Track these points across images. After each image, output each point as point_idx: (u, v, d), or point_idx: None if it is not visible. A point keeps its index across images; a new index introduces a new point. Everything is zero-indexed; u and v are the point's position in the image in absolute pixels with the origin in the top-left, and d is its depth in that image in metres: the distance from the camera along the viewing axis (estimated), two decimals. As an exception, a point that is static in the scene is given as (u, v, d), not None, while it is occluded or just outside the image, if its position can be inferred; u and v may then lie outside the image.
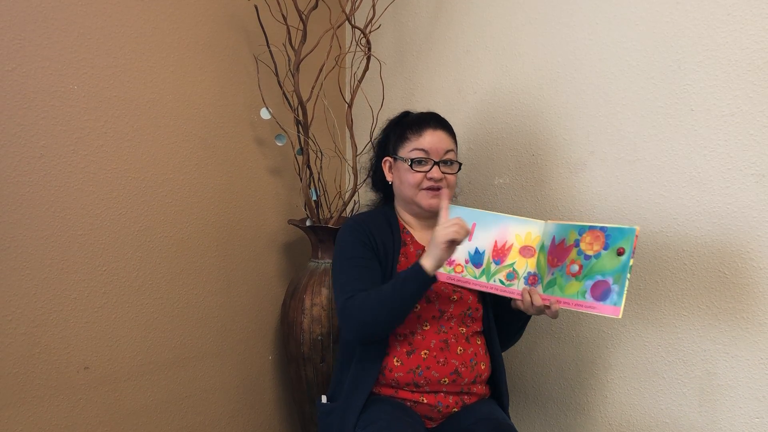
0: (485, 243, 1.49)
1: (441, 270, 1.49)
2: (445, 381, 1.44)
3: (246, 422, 2.05)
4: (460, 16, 1.93)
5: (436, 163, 1.51)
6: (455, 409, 1.46)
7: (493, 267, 1.47)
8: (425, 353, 1.44)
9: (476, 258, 1.49)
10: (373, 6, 1.92)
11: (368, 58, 1.93)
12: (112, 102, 1.65)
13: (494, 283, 1.46)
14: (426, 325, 1.46)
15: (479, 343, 1.52)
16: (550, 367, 1.83)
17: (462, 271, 1.49)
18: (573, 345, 1.77)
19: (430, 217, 1.54)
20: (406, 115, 1.63)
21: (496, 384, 1.56)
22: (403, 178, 1.53)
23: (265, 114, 1.91)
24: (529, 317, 1.53)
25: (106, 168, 1.65)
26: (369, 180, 1.71)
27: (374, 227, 1.53)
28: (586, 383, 1.75)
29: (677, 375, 1.57)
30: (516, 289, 1.44)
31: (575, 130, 1.70)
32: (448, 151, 1.52)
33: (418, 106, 2.06)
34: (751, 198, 1.42)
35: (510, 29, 1.81)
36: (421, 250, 1.54)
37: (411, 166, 1.50)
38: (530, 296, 1.40)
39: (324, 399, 1.56)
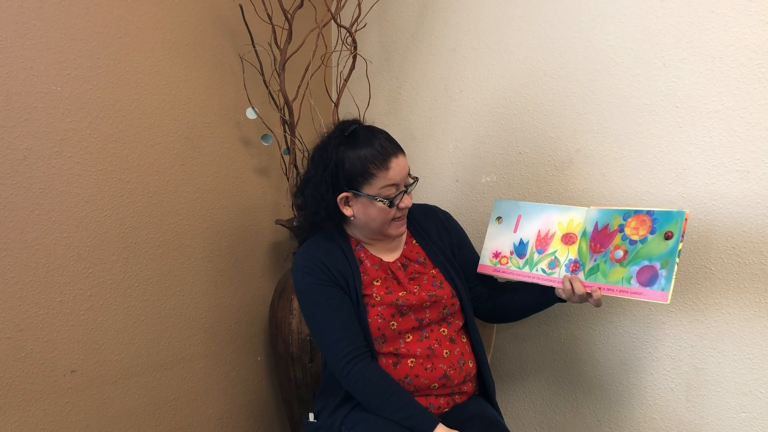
0: (529, 233, 1.50)
1: (487, 263, 1.54)
2: (435, 386, 1.43)
3: (235, 424, 2.04)
4: (446, 14, 1.93)
5: (405, 190, 1.43)
6: (446, 409, 1.46)
7: (536, 257, 1.47)
8: (411, 362, 1.42)
9: (520, 249, 1.51)
10: (359, 5, 1.91)
11: (354, 57, 1.93)
12: (97, 103, 1.63)
13: (536, 273, 1.46)
14: (408, 337, 1.44)
15: (464, 341, 1.50)
16: (539, 364, 1.83)
17: (507, 263, 1.51)
18: (561, 342, 1.78)
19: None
20: (343, 137, 1.42)
21: (481, 376, 1.54)
22: (372, 214, 1.42)
23: (251, 114, 1.90)
24: (552, 302, 1.47)
25: (91, 169, 1.63)
26: (312, 219, 1.48)
27: (326, 258, 1.44)
28: (575, 380, 1.76)
29: (665, 371, 1.58)
30: (557, 278, 1.42)
31: (561, 128, 1.70)
32: (409, 173, 1.45)
33: (405, 105, 2.06)
34: (736, 194, 1.43)
35: (496, 27, 1.82)
36: (377, 264, 1.49)
37: (390, 205, 1.40)
38: (571, 284, 1.37)
39: (311, 417, 1.53)
